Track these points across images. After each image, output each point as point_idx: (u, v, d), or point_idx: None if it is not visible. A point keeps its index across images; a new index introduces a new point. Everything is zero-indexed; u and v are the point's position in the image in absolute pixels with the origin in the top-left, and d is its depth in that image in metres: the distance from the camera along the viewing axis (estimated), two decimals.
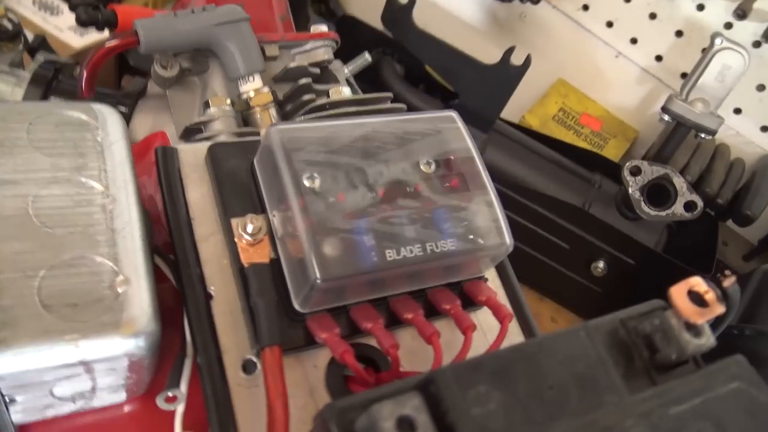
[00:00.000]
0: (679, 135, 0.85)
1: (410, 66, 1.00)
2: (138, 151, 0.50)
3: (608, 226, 0.88)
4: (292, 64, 0.61)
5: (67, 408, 0.38)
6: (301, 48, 0.64)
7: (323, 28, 0.65)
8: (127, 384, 0.38)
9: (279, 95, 0.62)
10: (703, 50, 0.84)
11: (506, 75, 0.82)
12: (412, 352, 0.43)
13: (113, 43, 0.55)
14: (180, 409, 0.37)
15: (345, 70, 0.70)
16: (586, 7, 1.03)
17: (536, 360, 0.28)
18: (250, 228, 0.40)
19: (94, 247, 0.36)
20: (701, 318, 0.30)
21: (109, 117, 0.42)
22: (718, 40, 0.80)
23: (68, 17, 0.82)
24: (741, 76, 0.81)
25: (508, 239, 0.42)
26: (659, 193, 0.83)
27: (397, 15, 0.82)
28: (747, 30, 0.88)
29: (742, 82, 0.85)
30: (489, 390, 0.26)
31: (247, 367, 0.39)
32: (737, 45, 0.79)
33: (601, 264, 0.90)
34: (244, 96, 0.59)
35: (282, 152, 0.39)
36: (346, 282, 0.38)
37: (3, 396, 0.33)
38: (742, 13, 0.85)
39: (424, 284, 0.43)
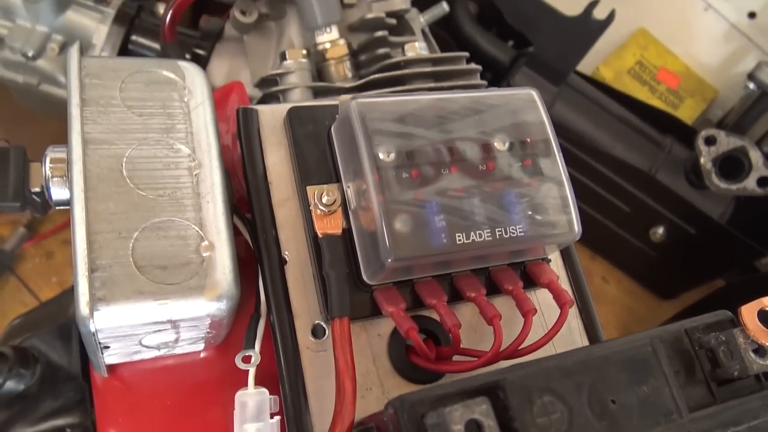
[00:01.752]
0: (761, 105, 0.81)
1: (484, 6, 0.97)
2: (216, 99, 0.51)
3: (673, 193, 0.87)
4: (369, 15, 0.60)
5: (152, 354, 0.41)
6: None
7: None
8: (207, 338, 0.41)
9: (354, 45, 0.61)
10: None
11: (587, 28, 0.79)
12: (471, 327, 0.44)
13: None
14: (254, 370, 0.40)
15: (421, 20, 0.68)
16: None
17: (601, 372, 0.29)
18: (325, 199, 0.41)
19: (181, 212, 0.38)
20: None
21: (195, 77, 0.43)
22: None
23: None
24: None
25: (577, 228, 0.42)
26: (733, 165, 0.80)
27: None
28: None
29: None
30: (554, 401, 0.27)
31: (316, 332, 0.41)
32: None
33: (660, 230, 0.89)
34: (320, 47, 0.58)
35: (360, 127, 0.40)
36: (415, 262, 0.39)
37: (99, 344, 0.37)
38: None
39: (489, 264, 0.44)
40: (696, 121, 1.01)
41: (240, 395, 0.41)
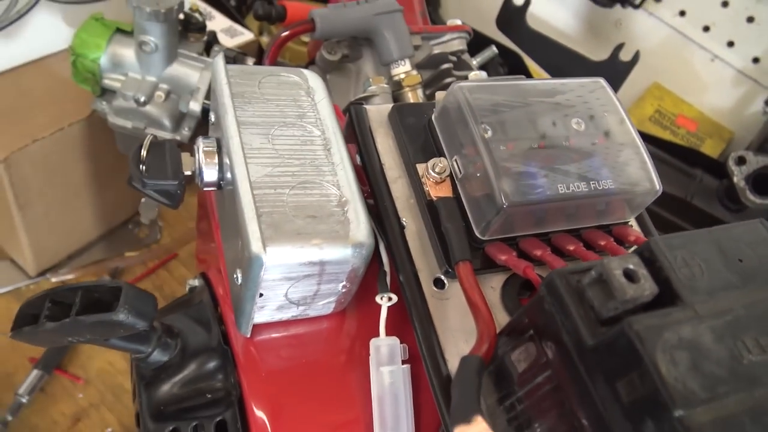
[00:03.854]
0: None
1: (512, 67, 1.08)
2: None
3: (712, 217, 0.92)
4: (435, 51, 0.69)
5: (291, 312, 0.46)
6: (439, 39, 0.72)
7: (458, 21, 0.73)
8: (338, 295, 0.46)
9: (422, 79, 0.70)
10: None
11: (615, 70, 0.88)
12: None
13: (291, 30, 0.64)
14: (384, 316, 0.45)
15: (473, 62, 0.77)
16: (683, 13, 1.08)
17: (723, 241, 0.34)
18: (437, 168, 0.47)
19: (322, 175, 0.44)
20: None
21: (315, 80, 0.51)
22: None
23: (220, 21, 0.93)
24: None
25: (657, 184, 0.48)
26: (764, 181, 0.87)
27: (513, 16, 0.90)
28: None
29: None
30: (692, 256, 0.32)
31: (438, 283, 0.46)
32: None
33: None
34: (396, 78, 0.67)
35: (467, 104, 0.47)
36: (525, 209, 0.45)
37: (258, 291, 0.41)
38: None
39: (580, 224, 0.49)
40: (718, 159, 1.09)
41: (374, 341, 0.45)
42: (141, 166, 0.45)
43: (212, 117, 0.51)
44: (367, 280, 0.48)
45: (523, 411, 0.37)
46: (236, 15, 0.92)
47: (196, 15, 0.68)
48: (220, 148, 0.46)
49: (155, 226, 0.89)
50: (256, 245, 0.39)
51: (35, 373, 0.80)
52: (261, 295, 0.43)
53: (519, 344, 0.37)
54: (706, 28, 1.07)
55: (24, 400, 0.79)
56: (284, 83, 0.49)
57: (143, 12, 0.62)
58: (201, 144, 0.47)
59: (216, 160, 0.46)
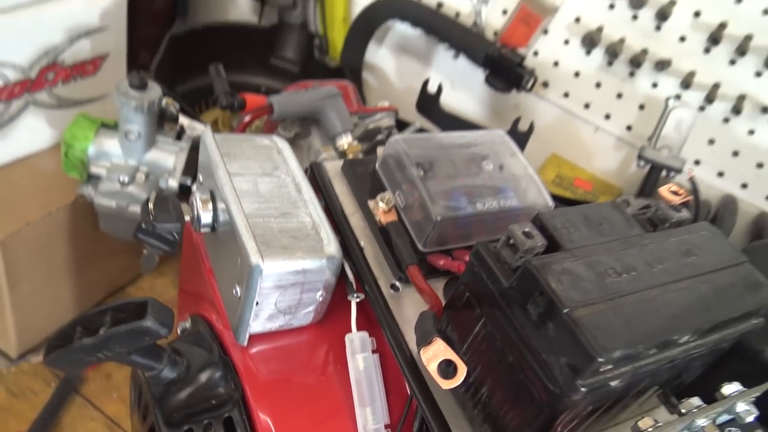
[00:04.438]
0: (654, 175, 1.09)
1: None
2: None
3: None
4: (370, 126, 0.85)
5: (279, 322, 0.57)
6: (372, 117, 0.88)
7: (386, 103, 0.90)
8: (317, 304, 0.57)
9: (361, 149, 0.85)
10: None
11: (517, 139, 1.07)
12: None
13: (254, 114, 0.78)
14: (355, 312, 0.56)
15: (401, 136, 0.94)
16: (566, 95, 1.31)
17: (588, 213, 0.48)
18: (385, 200, 0.61)
19: (297, 208, 0.57)
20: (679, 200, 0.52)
21: (282, 143, 0.64)
22: (671, 101, 1.06)
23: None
24: (692, 126, 1.06)
25: (550, 201, 0.64)
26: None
27: (429, 101, 1.08)
28: (692, 98, 1.15)
29: (696, 138, 1.11)
30: (568, 222, 0.46)
31: (393, 287, 0.58)
32: (685, 103, 1.06)
33: None
34: (341, 148, 0.82)
35: (404, 151, 0.62)
36: (453, 223, 0.58)
37: (255, 300, 0.53)
38: (686, 86, 1.13)
39: (498, 235, 0.64)
40: None
41: (348, 336, 0.56)
42: (150, 213, 0.57)
43: (200, 177, 0.63)
44: (335, 304, 0.59)
45: (467, 361, 0.49)
46: (192, 113, 1.06)
47: (170, 108, 0.81)
48: (213, 198, 0.58)
49: None
50: (255, 258, 0.51)
51: None
52: (257, 303, 0.54)
53: (458, 310, 0.50)
54: (587, 105, 1.30)
55: None
56: (259, 146, 0.63)
57: (129, 105, 0.75)
58: (198, 195, 0.59)
59: (210, 207, 0.58)
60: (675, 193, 0.53)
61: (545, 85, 1.31)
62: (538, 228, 0.45)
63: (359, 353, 0.55)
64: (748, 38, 1.06)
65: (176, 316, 0.82)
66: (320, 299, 0.57)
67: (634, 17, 1.16)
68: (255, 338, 0.58)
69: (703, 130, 1.16)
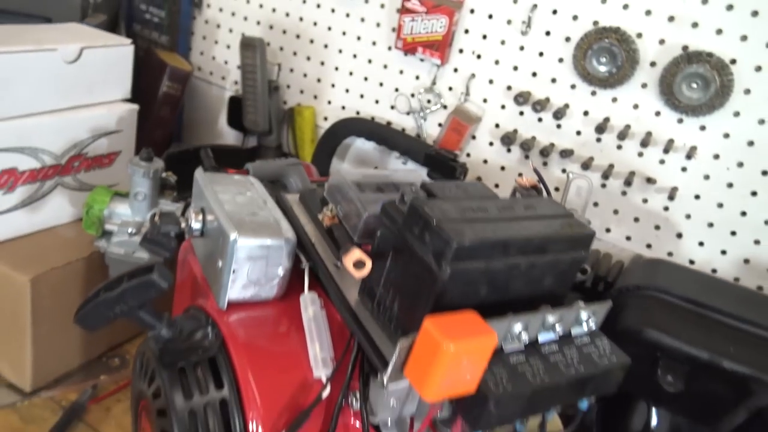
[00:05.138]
0: None
1: None
2: None
3: None
4: None
5: (251, 291, 0.76)
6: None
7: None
8: (279, 279, 0.77)
9: None
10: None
11: None
12: None
13: (233, 172, 1.02)
14: (308, 276, 0.76)
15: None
16: (497, 185, 1.57)
17: (460, 185, 0.71)
18: (329, 209, 0.83)
19: (264, 211, 0.79)
20: None
21: (253, 179, 0.88)
22: (570, 174, 1.32)
23: None
24: (590, 192, 1.32)
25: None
26: None
27: None
28: (594, 177, 1.42)
29: (604, 210, 1.37)
30: (447, 187, 0.69)
31: (336, 265, 0.79)
32: (582, 174, 1.32)
33: None
34: None
35: (344, 178, 0.85)
36: (376, 217, 0.80)
37: (232, 269, 0.73)
38: (586, 167, 1.40)
39: None
40: None
41: (302, 295, 0.75)
42: (156, 220, 0.78)
43: (192, 202, 0.85)
44: (292, 291, 0.79)
45: (382, 295, 0.69)
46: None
47: (169, 179, 1.05)
48: (203, 211, 0.80)
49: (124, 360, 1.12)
50: (233, 234, 0.72)
51: None
52: (234, 271, 0.74)
53: (378, 256, 0.70)
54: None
55: None
56: (236, 179, 0.86)
57: (139, 172, 0.98)
58: (192, 209, 0.81)
59: (200, 218, 0.80)
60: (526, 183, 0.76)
61: (479, 179, 1.58)
62: (423, 189, 0.68)
63: (310, 306, 0.74)
64: (627, 127, 1.36)
65: None
66: (281, 274, 0.77)
67: (540, 119, 1.47)
68: (233, 306, 0.76)
69: (608, 203, 1.42)
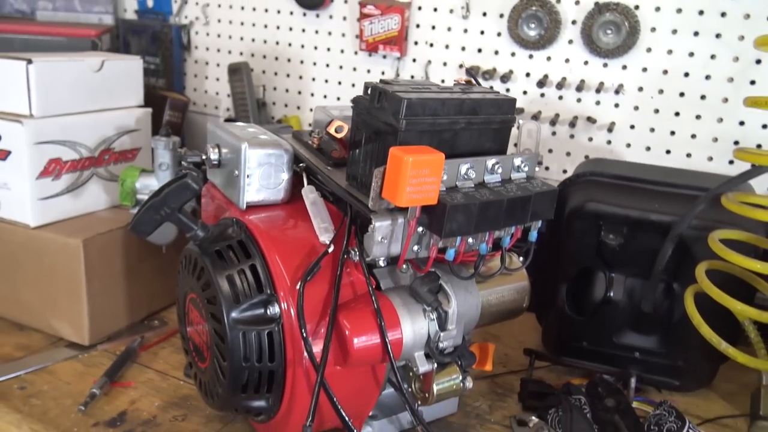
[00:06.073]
0: None
1: None
2: None
3: None
4: None
5: (263, 195, 0.97)
6: None
7: None
8: (284, 183, 0.98)
9: None
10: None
11: None
12: None
13: None
14: (305, 174, 0.97)
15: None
16: None
17: (416, 82, 0.94)
18: (318, 134, 1.05)
19: (266, 135, 1.01)
20: None
21: (260, 128, 1.10)
22: (520, 122, 1.56)
23: None
24: (539, 132, 1.54)
25: None
26: None
27: None
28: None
29: (558, 155, 1.59)
30: (405, 82, 0.91)
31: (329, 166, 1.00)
32: (530, 120, 1.55)
33: None
34: None
35: (329, 111, 1.08)
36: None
37: (246, 173, 0.94)
38: (537, 117, 1.63)
39: None
40: None
41: (303, 189, 0.96)
42: (183, 155, 1.00)
43: (209, 142, 1.07)
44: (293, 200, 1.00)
45: (363, 171, 0.90)
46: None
47: (184, 154, 1.27)
48: (218, 147, 1.02)
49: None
50: (244, 145, 0.94)
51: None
52: (248, 176, 0.95)
53: (354, 143, 0.91)
54: None
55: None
56: (241, 124, 1.09)
57: (161, 144, 1.21)
58: (209, 145, 1.02)
59: (216, 151, 1.01)
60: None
61: None
62: (381, 81, 0.90)
63: (310, 194, 0.95)
64: (563, 79, 1.60)
65: None
66: (285, 178, 0.98)
67: (491, 87, 1.71)
68: (250, 208, 0.97)
69: (560, 147, 1.64)
